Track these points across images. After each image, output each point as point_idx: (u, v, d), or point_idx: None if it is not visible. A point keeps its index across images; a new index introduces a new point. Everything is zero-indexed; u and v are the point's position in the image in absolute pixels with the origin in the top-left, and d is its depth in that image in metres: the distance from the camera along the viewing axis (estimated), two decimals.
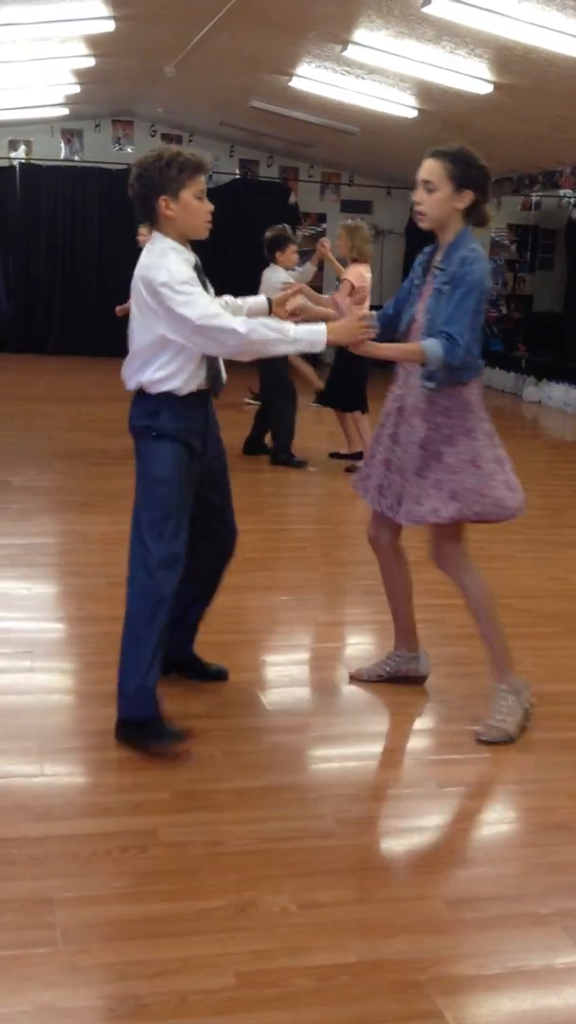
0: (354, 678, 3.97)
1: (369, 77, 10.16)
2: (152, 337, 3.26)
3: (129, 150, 15.08)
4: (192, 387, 3.33)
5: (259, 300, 3.66)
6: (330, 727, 3.60)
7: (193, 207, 3.30)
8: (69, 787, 3.13)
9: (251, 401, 9.80)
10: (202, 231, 3.35)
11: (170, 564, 3.31)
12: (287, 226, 8.30)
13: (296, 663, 4.29)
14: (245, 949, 2.35)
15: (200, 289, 3.25)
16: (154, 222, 3.34)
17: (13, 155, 14.75)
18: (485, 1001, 2.27)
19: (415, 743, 3.61)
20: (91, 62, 10.84)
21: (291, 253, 7.93)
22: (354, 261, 7.63)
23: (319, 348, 3.34)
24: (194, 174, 3.31)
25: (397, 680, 3.92)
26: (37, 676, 3.88)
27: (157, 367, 3.28)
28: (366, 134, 12.40)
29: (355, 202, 16.34)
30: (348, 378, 7.91)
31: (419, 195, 3.49)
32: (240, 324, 3.23)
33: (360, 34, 8.78)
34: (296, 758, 3.39)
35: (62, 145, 14.99)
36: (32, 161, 14.76)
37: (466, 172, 3.44)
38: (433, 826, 3.03)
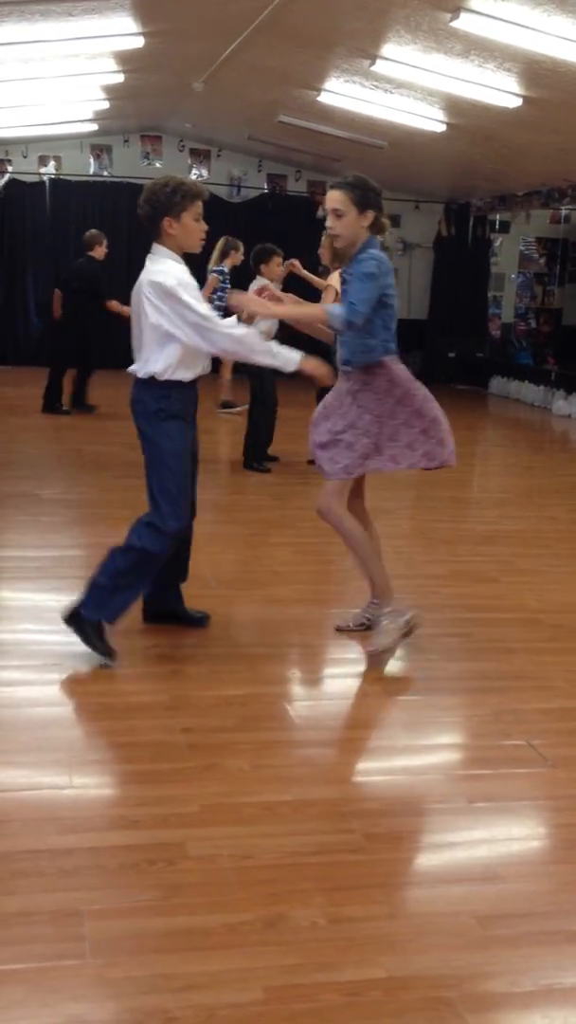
0: (340, 629, 4.58)
1: (397, 91, 10.18)
2: (160, 333, 3.92)
3: (158, 165, 15.18)
4: (196, 373, 4.06)
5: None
6: (359, 741, 3.58)
7: (191, 227, 4.00)
8: (97, 799, 3.13)
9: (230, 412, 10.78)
10: (196, 247, 4.07)
11: (175, 534, 4.07)
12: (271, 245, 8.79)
13: (325, 677, 4.27)
14: (274, 964, 2.34)
15: (199, 295, 4.01)
16: (156, 238, 4.01)
17: (43, 170, 14.88)
18: (517, 1019, 2.24)
19: (445, 758, 3.58)
20: (120, 78, 10.92)
21: (275, 265, 8.35)
22: (336, 268, 7.62)
23: (290, 368, 4.09)
24: (194, 200, 3.98)
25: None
26: (65, 689, 3.88)
27: (167, 358, 3.95)
28: (394, 148, 12.41)
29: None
30: None
31: (331, 221, 4.18)
32: (236, 328, 4.01)
33: (388, 49, 8.80)
34: (325, 772, 3.37)
35: (91, 160, 15.10)
36: (62, 176, 14.89)
37: (365, 196, 4.12)
38: (463, 841, 3.00)
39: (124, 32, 9.04)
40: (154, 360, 3.97)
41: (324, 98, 10.92)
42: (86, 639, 4.07)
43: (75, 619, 4.11)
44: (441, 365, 16.09)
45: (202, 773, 3.23)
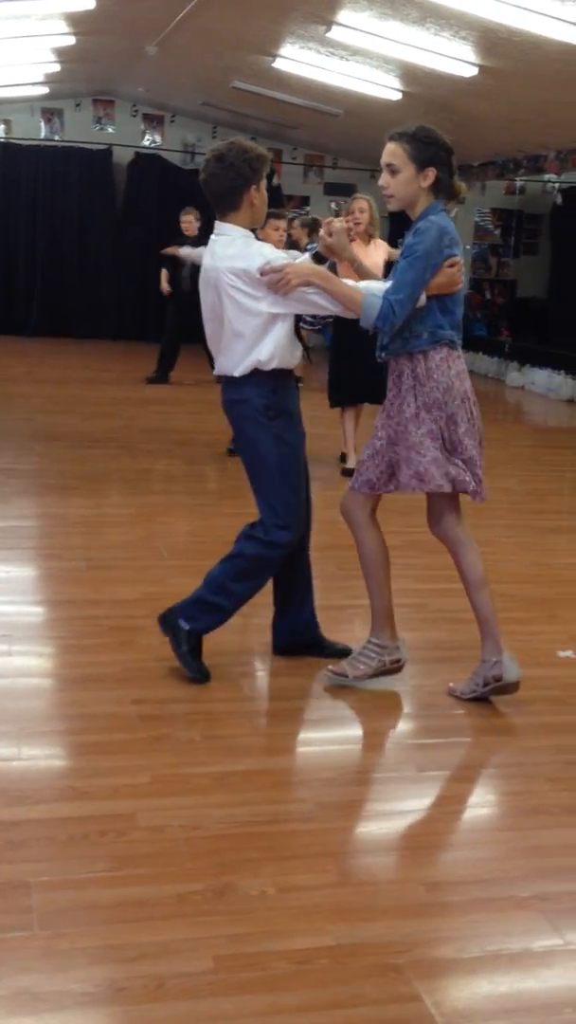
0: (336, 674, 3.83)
1: (353, 59, 10.10)
2: (257, 321, 3.51)
3: (110, 130, 14.98)
4: (295, 359, 3.66)
5: (305, 258, 3.80)
6: (311, 711, 3.59)
7: (265, 196, 3.62)
8: (46, 771, 3.11)
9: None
10: (263, 219, 3.73)
11: (285, 545, 3.68)
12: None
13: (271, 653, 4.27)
14: (223, 933, 2.34)
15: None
16: (233, 211, 3.56)
17: None
18: (464, 984, 2.26)
19: (396, 727, 3.60)
20: (71, 40, 10.72)
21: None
22: (372, 238, 7.39)
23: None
24: (266, 166, 3.62)
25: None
26: (15, 659, 3.85)
27: (273, 342, 3.54)
28: (350, 116, 12.33)
29: (338, 185, 16.27)
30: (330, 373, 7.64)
31: (384, 179, 3.61)
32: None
33: (344, 15, 8.72)
34: (277, 742, 3.38)
35: (42, 124, 14.86)
36: (11, 140, 14.63)
37: (425, 151, 3.55)
38: (413, 810, 3.02)
39: None
40: (257, 350, 3.54)
41: (279, 64, 10.81)
42: (177, 648, 3.74)
43: (170, 624, 3.78)
44: None
45: (153, 744, 3.22)
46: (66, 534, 5.38)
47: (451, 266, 3.55)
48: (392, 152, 3.56)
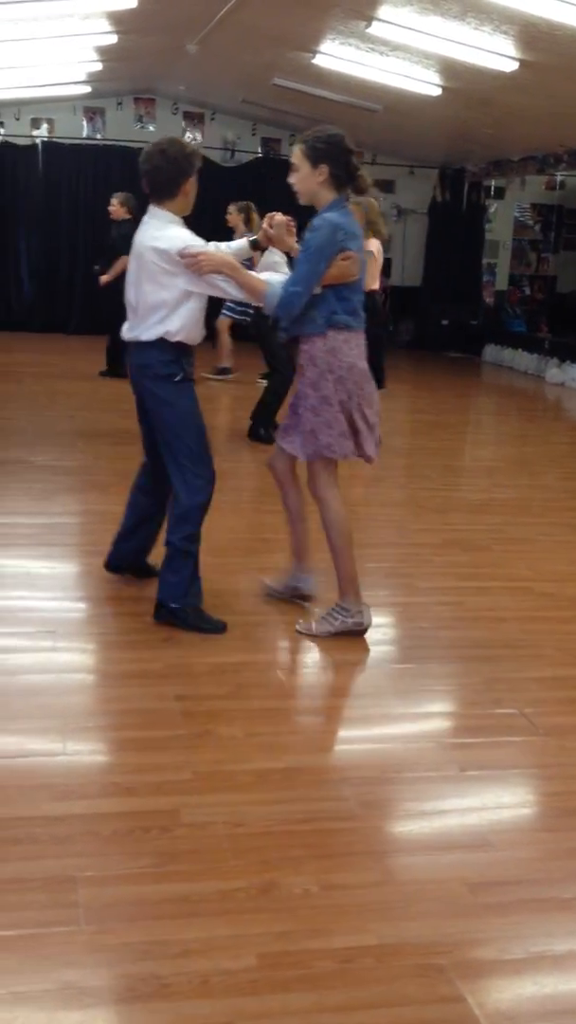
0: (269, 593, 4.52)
1: (393, 54, 10.07)
2: (171, 295, 3.95)
3: (151, 128, 15.01)
4: (199, 338, 4.09)
5: (241, 243, 4.27)
6: (352, 709, 3.60)
7: (196, 189, 4.05)
8: (91, 766, 3.14)
9: (210, 376, 10.81)
10: (191, 209, 4.08)
11: (210, 482, 4.11)
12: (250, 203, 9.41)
13: (317, 645, 4.28)
14: (267, 930, 2.36)
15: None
16: (170, 199, 3.99)
17: (36, 133, 14.72)
18: (507, 986, 2.26)
19: (437, 726, 3.60)
20: (114, 39, 10.78)
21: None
22: (370, 235, 8.09)
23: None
24: (199, 162, 4.05)
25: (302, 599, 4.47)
26: (59, 655, 3.89)
27: (183, 317, 3.98)
28: (389, 112, 12.30)
29: (377, 181, 16.17)
30: None
31: (290, 175, 4.03)
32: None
33: (385, 10, 8.70)
34: (318, 740, 3.39)
35: (84, 123, 14.93)
36: (54, 139, 14.73)
37: (316, 149, 3.95)
38: (454, 809, 3.02)
39: None
40: (168, 321, 3.97)
41: (319, 61, 10.80)
42: (185, 625, 4.10)
43: (164, 614, 4.13)
44: (434, 333, 16.04)
45: (195, 740, 3.24)
46: (109, 531, 5.39)
47: (344, 259, 3.92)
48: (294, 152, 4.02)
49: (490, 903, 2.52)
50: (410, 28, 8.93)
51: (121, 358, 10.49)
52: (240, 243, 4.26)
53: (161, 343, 4.01)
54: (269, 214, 4.22)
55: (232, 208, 9.77)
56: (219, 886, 2.51)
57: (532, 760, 3.32)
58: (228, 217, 9.74)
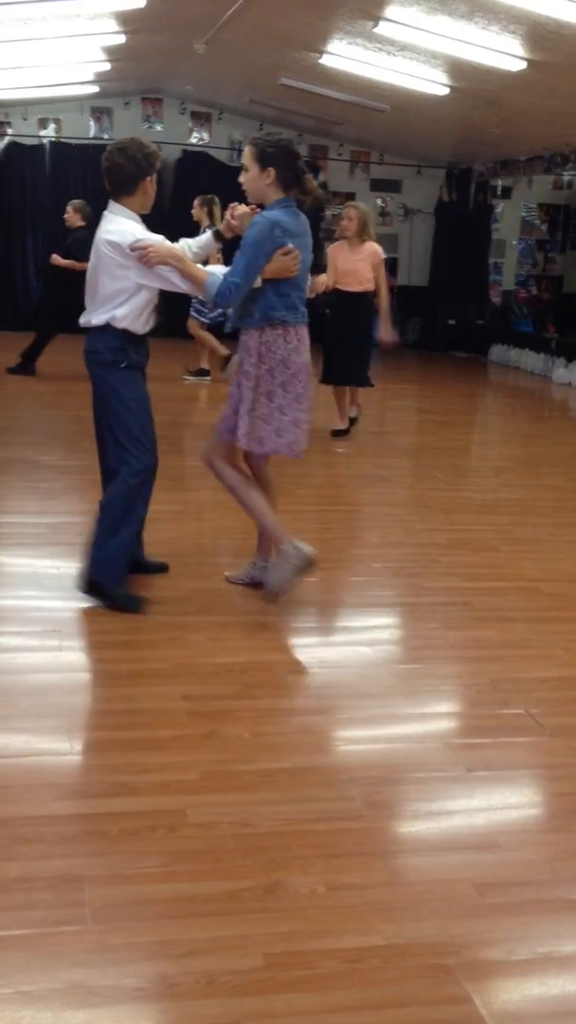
0: (229, 580, 4.67)
1: (400, 54, 10.06)
2: (123, 285, 4.15)
3: (159, 128, 15.03)
4: (146, 328, 4.28)
5: (206, 236, 4.47)
6: (359, 709, 3.59)
7: (155, 188, 4.26)
8: (98, 766, 3.14)
9: (188, 377, 10.90)
10: (150, 208, 4.28)
11: (149, 471, 4.31)
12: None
13: (323, 644, 4.28)
14: (274, 930, 2.35)
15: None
16: (129, 195, 4.18)
17: (43, 133, 14.73)
18: (515, 987, 2.26)
19: (443, 726, 3.59)
20: (121, 39, 10.78)
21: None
22: (362, 241, 8.15)
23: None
24: (158, 162, 4.26)
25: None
26: (65, 655, 3.89)
27: (125, 308, 4.18)
28: (397, 112, 12.28)
29: (385, 181, 16.23)
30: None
31: (241, 176, 4.23)
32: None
33: (392, 10, 8.69)
34: (324, 740, 3.39)
35: (91, 123, 14.95)
36: (62, 139, 14.73)
37: (265, 152, 4.13)
38: (461, 810, 3.01)
39: None
40: (115, 309, 4.18)
41: (326, 60, 10.79)
42: (110, 601, 4.27)
43: (93, 587, 4.30)
44: (441, 332, 16.02)
45: (202, 740, 3.24)
46: None
47: (284, 254, 4.11)
48: (245, 154, 4.20)
49: (497, 904, 2.52)
50: (417, 28, 8.92)
51: (35, 356, 10.65)
52: (205, 236, 4.47)
53: (109, 329, 4.21)
54: (232, 204, 4.38)
55: (196, 202, 10.16)
56: (226, 886, 2.50)
57: (539, 761, 3.31)
58: (192, 212, 10.12)
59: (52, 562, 4.85)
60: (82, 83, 13.43)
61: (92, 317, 4.25)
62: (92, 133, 14.90)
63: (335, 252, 8.17)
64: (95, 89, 13.98)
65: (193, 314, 10.64)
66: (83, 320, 4.31)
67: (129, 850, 2.64)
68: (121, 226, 4.15)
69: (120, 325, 4.20)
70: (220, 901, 2.45)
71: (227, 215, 4.36)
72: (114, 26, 10.25)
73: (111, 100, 14.80)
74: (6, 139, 14.66)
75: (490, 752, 3.33)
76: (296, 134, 15.59)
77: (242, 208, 4.32)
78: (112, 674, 3.80)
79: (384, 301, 8.31)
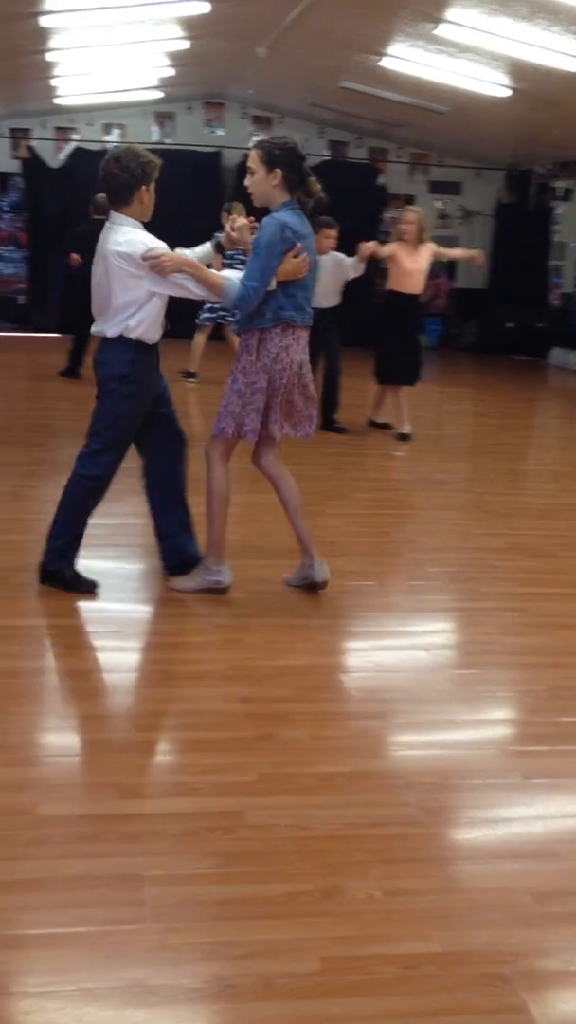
0: (287, 584, 4.73)
1: (461, 56, 10.02)
2: (135, 295, 4.19)
3: (220, 132, 15.12)
4: (156, 336, 4.34)
5: (204, 247, 4.50)
6: (415, 714, 3.59)
7: (153, 196, 4.28)
8: (157, 766, 3.18)
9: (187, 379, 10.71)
10: (150, 215, 4.30)
11: (105, 475, 4.45)
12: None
13: (381, 649, 4.28)
14: (331, 934, 2.37)
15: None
16: (126, 205, 4.23)
17: (107, 138, 14.88)
18: (572, 997, 2.25)
19: (501, 732, 3.58)
20: (185, 44, 10.87)
21: (323, 237, 8.45)
22: (421, 242, 8.29)
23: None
24: (156, 171, 4.27)
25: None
26: (126, 655, 3.94)
27: (138, 317, 4.22)
28: (456, 113, 12.24)
29: (444, 183, 16.17)
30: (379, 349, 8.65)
31: (247, 179, 4.29)
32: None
33: (453, 12, 8.67)
34: (382, 744, 3.39)
35: (154, 128, 15.07)
36: (126, 144, 14.86)
37: (272, 155, 4.17)
38: (519, 817, 3.00)
39: None
40: (130, 318, 4.22)
41: (387, 63, 10.79)
42: (67, 585, 4.43)
43: (49, 576, 4.45)
44: (499, 335, 15.91)
45: (260, 743, 3.27)
46: None
47: (294, 256, 4.17)
48: (251, 157, 4.24)
49: (556, 913, 2.51)
50: (478, 29, 8.89)
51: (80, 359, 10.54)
52: (204, 247, 4.50)
53: (122, 340, 4.26)
54: (232, 217, 4.56)
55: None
56: (283, 889, 2.52)
57: None
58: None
59: (114, 564, 4.90)
60: (146, 88, 13.55)
61: (106, 328, 4.29)
62: (155, 138, 15.02)
63: (400, 252, 8.23)
64: (159, 94, 14.09)
65: (204, 322, 10.57)
66: (95, 329, 4.35)
67: (188, 850, 2.66)
68: (128, 236, 4.18)
69: (134, 335, 4.25)
70: (277, 904, 2.47)
71: (227, 227, 4.46)
72: (178, 32, 10.34)
73: (174, 105, 14.92)
74: (72, 145, 14.83)
75: (548, 760, 3.31)
76: (356, 137, 15.62)
77: (241, 220, 4.45)
78: (171, 675, 3.84)
79: (454, 251, 9.20)
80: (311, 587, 4.62)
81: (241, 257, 9.87)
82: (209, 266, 4.46)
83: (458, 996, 2.20)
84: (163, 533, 4.69)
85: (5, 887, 2.46)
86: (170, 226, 14.49)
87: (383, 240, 8.56)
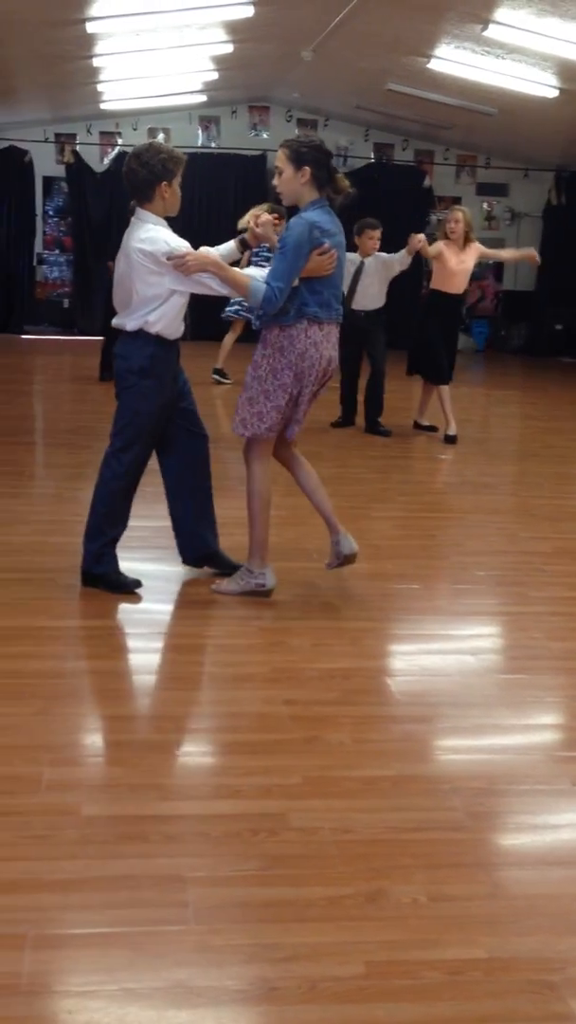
0: (328, 568, 4.73)
1: (509, 57, 9.96)
2: (156, 291, 4.21)
3: (265, 136, 15.14)
4: (177, 332, 4.35)
5: (229, 245, 4.52)
6: (461, 718, 3.56)
7: (178, 193, 4.35)
8: (201, 767, 3.17)
9: (221, 380, 10.72)
10: (177, 211, 4.38)
11: (128, 480, 4.45)
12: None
13: (426, 652, 4.25)
14: (375, 939, 2.35)
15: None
16: (148, 201, 4.27)
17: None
18: None
19: (548, 738, 3.54)
20: (230, 48, 10.90)
21: (366, 239, 8.47)
22: (467, 242, 8.29)
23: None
24: (181, 166, 4.33)
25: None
26: (169, 657, 3.94)
27: (158, 312, 4.23)
28: (504, 114, 12.16)
29: (491, 185, 16.08)
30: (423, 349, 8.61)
31: (275, 179, 4.30)
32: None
33: (501, 13, 8.62)
34: (427, 748, 3.36)
35: (199, 132, 15.13)
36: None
37: (299, 153, 4.18)
38: (567, 824, 2.96)
39: (234, 1, 9.01)
40: (151, 313, 4.23)
41: (434, 65, 10.74)
42: (111, 587, 4.45)
43: (90, 579, 4.47)
44: (547, 337, 15.79)
45: (304, 745, 3.25)
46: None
47: (321, 254, 4.14)
48: (278, 156, 4.26)
49: None
50: (527, 30, 8.82)
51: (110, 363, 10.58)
52: (228, 245, 4.50)
53: (141, 334, 4.27)
54: (255, 213, 4.54)
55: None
56: (326, 892, 2.51)
57: None
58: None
59: (156, 566, 4.91)
60: (191, 92, 13.61)
61: (127, 322, 4.30)
62: (200, 142, 15.08)
63: (446, 251, 8.20)
64: (203, 98, 14.15)
65: (229, 315, 10.62)
66: (116, 322, 4.37)
67: (231, 852, 2.66)
68: (151, 233, 4.20)
69: (154, 330, 4.25)
70: (321, 907, 2.45)
71: (251, 223, 4.45)
72: (223, 36, 10.37)
73: (219, 109, 14.97)
74: (117, 149, 14.93)
75: None
76: (402, 139, 15.58)
77: (265, 216, 4.46)
78: (215, 677, 3.84)
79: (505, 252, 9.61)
80: (345, 562, 4.62)
81: (266, 254, 9.91)
82: (235, 264, 4.48)
83: (505, 1003, 2.17)
84: (179, 526, 4.72)
85: (48, 886, 2.47)
86: (215, 229, 14.75)
87: (431, 237, 8.52)
